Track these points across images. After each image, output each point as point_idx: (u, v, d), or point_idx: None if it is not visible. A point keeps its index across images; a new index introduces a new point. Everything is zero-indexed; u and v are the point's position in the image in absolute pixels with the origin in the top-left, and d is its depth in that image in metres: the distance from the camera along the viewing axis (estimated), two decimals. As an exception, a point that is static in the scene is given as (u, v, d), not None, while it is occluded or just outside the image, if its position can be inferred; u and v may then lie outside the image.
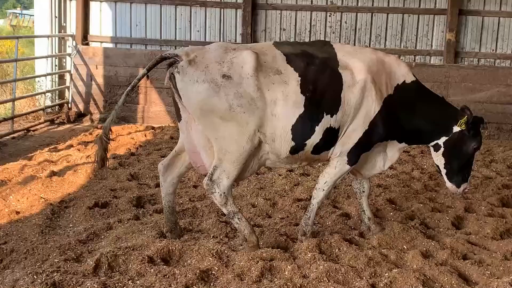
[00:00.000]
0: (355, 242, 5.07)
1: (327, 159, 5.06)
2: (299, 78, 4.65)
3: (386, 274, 4.34)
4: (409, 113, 5.04)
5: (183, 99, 4.59)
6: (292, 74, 4.65)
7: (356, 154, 4.96)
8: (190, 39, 11.83)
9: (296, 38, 11.59)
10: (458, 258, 4.75)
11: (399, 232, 5.23)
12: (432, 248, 4.94)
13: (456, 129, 5.09)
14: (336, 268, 4.36)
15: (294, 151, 4.76)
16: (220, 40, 11.70)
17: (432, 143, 5.18)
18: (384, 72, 4.96)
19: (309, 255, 4.66)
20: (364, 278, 4.30)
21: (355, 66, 4.84)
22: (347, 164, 4.95)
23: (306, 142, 4.74)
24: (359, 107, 4.81)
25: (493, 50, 11.09)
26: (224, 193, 4.67)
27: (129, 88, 4.63)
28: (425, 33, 11.28)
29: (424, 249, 4.91)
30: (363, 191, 5.41)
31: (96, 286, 3.93)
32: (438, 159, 5.19)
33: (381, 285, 4.16)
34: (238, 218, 4.74)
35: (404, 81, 5.06)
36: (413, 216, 5.86)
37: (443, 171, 5.22)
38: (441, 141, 5.12)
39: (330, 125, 4.74)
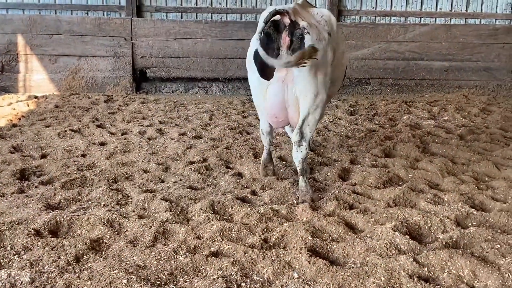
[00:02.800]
0: (247, 200, 5.16)
1: None
2: (329, 31, 5.00)
3: (278, 228, 4.47)
4: None
5: None
6: (324, 29, 4.96)
7: None
8: (71, 2, 11.27)
9: (183, 0, 11.36)
10: (345, 208, 4.96)
11: (290, 187, 5.38)
12: (321, 200, 5.13)
13: None
14: (229, 227, 4.43)
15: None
16: (103, 3, 11.26)
17: None
18: None
19: (202, 216, 4.69)
20: (256, 234, 4.40)
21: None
22: None
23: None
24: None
25: (373, 8, 11.48)
26: (308, 146, 4.98)
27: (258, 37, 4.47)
28: (309, -8, 11.45)
29: (313, 202, 5.09)
30: None
31: (-22, 265, 3.75)
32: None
33: (273, 239, 4.28)
34: (307, 177, 5.13)
35: None
36: (303, 171, 6.04)
37: None
38: None
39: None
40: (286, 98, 4.91)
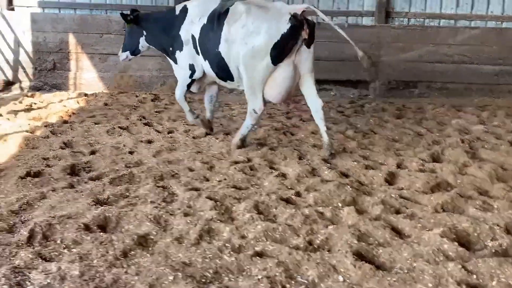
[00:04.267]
0: (292, 202, 5.15)
1: None
2: None
3: (323, 231, 4.45)
4: None
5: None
6: None
7: None
8: (121, 2, 11.50)
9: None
10: (391, 213, 4.90)
11: (335, 190, 5.34)
12: (367, 204, 5.09)
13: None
14: (273, 227, 4.44)
15: None
16: (152, 3, 11.45)
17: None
18: None
19: (247, 216, 4.71)
20: (301, 235, 4.38)
21: None
22: None
23: None
24: None
25: (422, 10, 11.31)
26: None
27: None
28: (357, -7, 11.39)
29: (359, 205, 5.05)
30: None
31: (30, 256, 3.85)
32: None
33: (317, 242, 4.26)
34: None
35: None
36: (348, 173, 6.00)
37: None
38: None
39: None
40: (294, 78, 6.34)
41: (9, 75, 11.36)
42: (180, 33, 7.06)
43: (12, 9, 11.48)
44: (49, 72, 11.32)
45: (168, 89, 11.14)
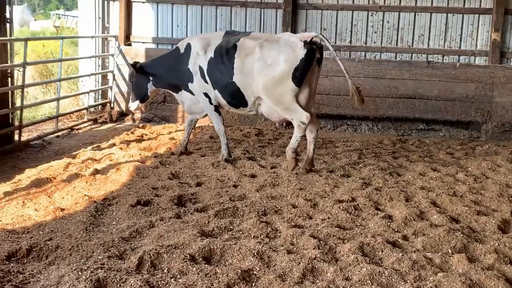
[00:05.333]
0: (398, 245, 4.98)
1: None
2: None
3: (431, 278, 4.26)
4: None
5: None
6: None
7: None
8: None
9: (337, 38, 11.52)
10: (505, 263, 4.62)
11: (444, 235, 5.11)
12: (478, 252, 4.83)
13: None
14: (379, 271, 4.31)
15: None
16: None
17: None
18: None
19: (351, 257, 4.61)
20: (408, 281, 4.22)
21: None
22: None
23: None
24: None
25: (540, 50, 10.80)
26: None
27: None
28: (470, 33, 11.06)
29: (470, 253, 4.80)
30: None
31: (139, 284, 3.96)
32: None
33: (426, 289, 4.08)
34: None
35: None
36: (458, 219, 5.74)
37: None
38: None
39: None
40: (310, 95, 7.33)
41: (123, 106, 11.98)
42: (189, 66, 7.87)
43: (129, 45, 12.16)
44: (160, 104, 11.82)
45: (272, 124, 11.27)
